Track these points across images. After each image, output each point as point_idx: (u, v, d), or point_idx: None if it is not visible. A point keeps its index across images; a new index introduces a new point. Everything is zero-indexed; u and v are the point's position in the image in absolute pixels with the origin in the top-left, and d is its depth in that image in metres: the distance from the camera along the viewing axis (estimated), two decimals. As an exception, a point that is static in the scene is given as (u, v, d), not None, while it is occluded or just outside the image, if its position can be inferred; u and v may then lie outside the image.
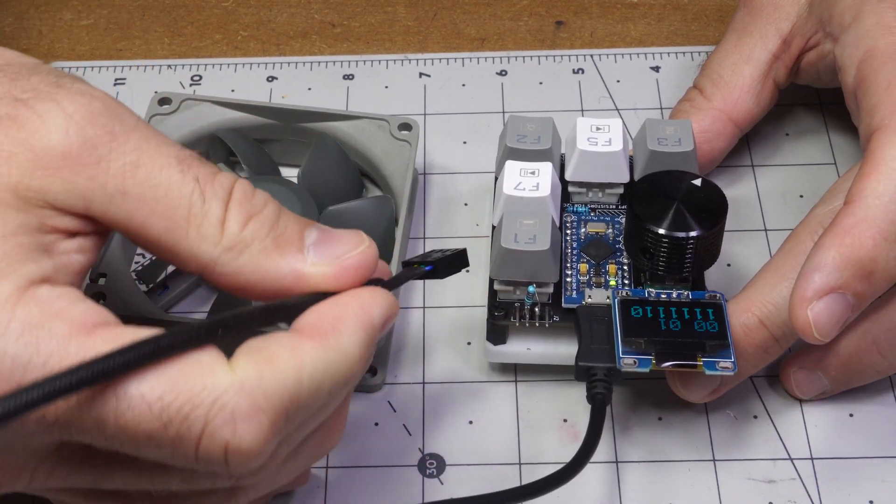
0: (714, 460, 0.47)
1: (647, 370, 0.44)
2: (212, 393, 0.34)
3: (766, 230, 0.54)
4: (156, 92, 0.56)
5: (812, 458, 0.47)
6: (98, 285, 0.49)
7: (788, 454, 0.47)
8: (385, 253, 0.49)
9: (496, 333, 0.48)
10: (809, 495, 0.46)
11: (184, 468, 0.36)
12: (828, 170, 0.56)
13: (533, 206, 0.48)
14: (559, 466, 0.43)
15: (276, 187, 0.52)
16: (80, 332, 0.34)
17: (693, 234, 0.45)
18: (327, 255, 0.38)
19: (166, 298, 0.51)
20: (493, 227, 0.49)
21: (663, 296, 0.46)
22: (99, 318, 0.35)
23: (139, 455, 0.35)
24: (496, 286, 0.48)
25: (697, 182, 0.46)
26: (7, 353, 0.33)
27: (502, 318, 0.47)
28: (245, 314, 0.36)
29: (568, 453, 0.44)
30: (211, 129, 0.55)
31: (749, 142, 0.57)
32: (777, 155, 0.57)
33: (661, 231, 0.45)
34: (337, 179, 0.54)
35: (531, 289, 0.47)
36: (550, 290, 0.47)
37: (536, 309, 0.47)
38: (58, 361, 0.34)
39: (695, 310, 0.45)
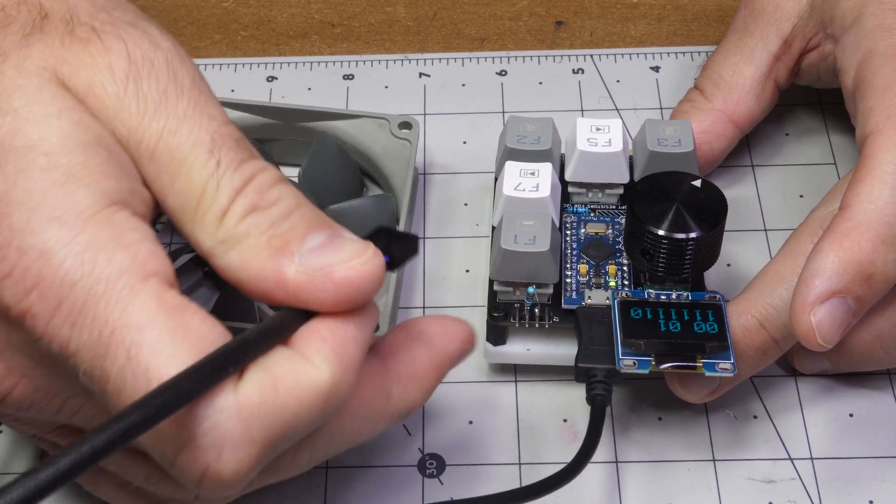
0: (714, 460, 0.47)
1: (646, 371, 0.44)
2: (210, 407, 0.33)
3: (766, 230, 0.54)
4: (156, 92, 0.56)
5: (812, 458, 0.47)
6: None
7: (788, 454, 0.47)
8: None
9: (496, 334, 0.48)
10: (809, 495, 0.46)
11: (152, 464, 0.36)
12: (828, 170, 0.56)
13: (533, 207, 0.48)
14: (559, 467, 0.43)
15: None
16: (135, 273, 0.33)
17: (693, 235, 0.45)
18: (316, 263, 0.35)
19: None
20: (493, 228, 0.49)
21: (663, 297, 0.46)
22: (158, 267, 0.34)
23: None
24: (496, 287, 0.48)
25: (697, 183, 0.46)
26: (63, 265, 0.33)
27: (502, 318, 0.47)
28: (243, 343, 0.34)
29: (568, 453, 0.44)
30: (211, 129, 0.55)
31: (749, 142, 0.57)
32: (777, 155, 0.57)
33: (661, 232, 0.45)
34: (337, 178, 0.54)
35: (531, 290, 0.47)
36: (550, 290, 0.47)
37: (536, 310, 0.47)
38: (102, 292, 0.33)
39: (694, 311, 0.45)
